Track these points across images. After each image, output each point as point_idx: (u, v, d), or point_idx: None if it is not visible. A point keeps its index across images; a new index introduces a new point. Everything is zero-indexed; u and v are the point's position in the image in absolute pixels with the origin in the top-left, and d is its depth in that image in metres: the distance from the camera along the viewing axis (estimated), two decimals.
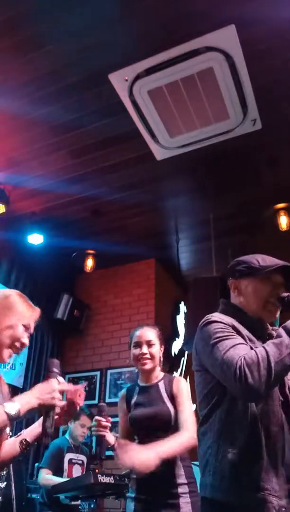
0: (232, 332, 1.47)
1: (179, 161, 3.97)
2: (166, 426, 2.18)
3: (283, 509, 1.32)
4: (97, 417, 2.09)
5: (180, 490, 2.10)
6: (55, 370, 1.50)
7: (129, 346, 2.42)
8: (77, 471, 3.70)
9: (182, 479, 2.13)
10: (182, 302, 5.83)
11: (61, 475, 3.60)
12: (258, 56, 3.06)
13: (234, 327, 1.50)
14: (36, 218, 4.64)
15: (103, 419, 2.08)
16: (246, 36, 2.92)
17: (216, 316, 1.54)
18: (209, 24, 2.88)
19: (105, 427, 2.07)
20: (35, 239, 4.61)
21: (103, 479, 2.81)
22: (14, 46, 3.01)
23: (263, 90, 3.31)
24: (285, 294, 1.57)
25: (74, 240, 5.08)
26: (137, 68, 3.15)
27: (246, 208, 4.57)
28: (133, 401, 2.34)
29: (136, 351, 2.35)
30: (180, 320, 5.70)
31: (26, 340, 1.57)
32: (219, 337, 1.43)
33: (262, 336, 1.56)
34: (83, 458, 3.88)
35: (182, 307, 5.80)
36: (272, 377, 1.29)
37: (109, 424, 2.08)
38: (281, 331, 1.38)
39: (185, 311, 5.71)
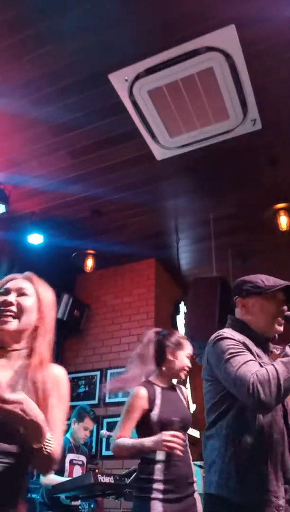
0: (243, 349, 1.62)
1: (179, 161, 3.97)
2: (188, 428, 2.43)
3: (281, 508, 1.49)
4: (172, 432, 2.15)
5: (195, 487, 2.33)
6: None
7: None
8: (77, 472, 3.68)
9: (193, 477, 2.34)
10: (182, 302, 5.83)
11: (62, 476, 3.59)
12: (258, 56, 3.06)
13: (245, 344, 1.65)
14: (36, 218, 4.65)
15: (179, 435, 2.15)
16: (246, 36, 2.92)
17: (228, 332, 1.69)
18: (209, 24, 2.88)
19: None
20: (35, 239, 4.61)
21: (103, 479, 2.80)
22: (14, 46, 3.01)
23: (263, 90, 3.31)
24: (289, 313, 1.74)
25: (74, 240, 5.08)
26: (137, 68, 3.15)
27: (246, 208, 4.57)
28: (158, 401, 2.36)
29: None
30: (180, 320, 5.70)
31: None
32: (232, 353, 1.58)
33: (267, 351, 1.75)
34: (83, 458, 3.87)
35: (182, 307, 5.80)
36: (281, 393, 1.46)
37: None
38: (288, 349, 1.55)
39: (185, 311, 5.70)
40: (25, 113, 3.52)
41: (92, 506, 3.66)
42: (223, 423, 1.60)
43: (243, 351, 1.60)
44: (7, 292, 1.44)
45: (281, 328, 1.77)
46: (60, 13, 2.81)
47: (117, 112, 3.50)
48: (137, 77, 3.21)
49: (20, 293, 1.44)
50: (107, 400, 5.07)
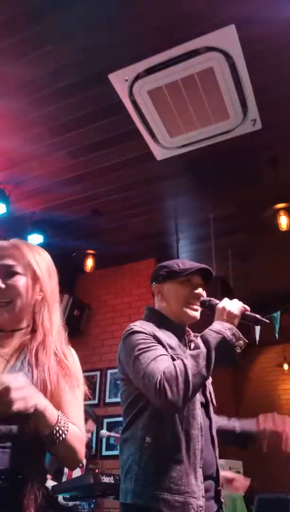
0: (154, 343, 1.52)
1: (179, 161, 3.97)
2: None
3: (200, 508, 1.41)
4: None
5: None
6: None
7: None
8: (76, 473, 3.67)
9: None
10: None
11: (60, 478, 3.57)
12: (258, 56, 3.06)
13: (155, 337, 1.55)
14: (36, 218, 4.64)
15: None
16: (246, 36, 2.92)
17: (138, 325, 1.60)
18: (209, 24, 2.88)
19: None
20: (35, 239, 4.61)
21: (103, 479, 2.81)
22: (14, 46, 3.01)
23: (263, 90, 3.31)
24: (207, 298, 1.66)
25: (74, 240, 5.08)
26: (137, 68, 3.15)
27: (246, 208, 4.57)
28: None
29: None
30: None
31: None
32: (141, 348, 1.49)
33: (184, 340, 1.67)
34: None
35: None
36: (190, 389, 1.38)
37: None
38: (199, 341, 1.47)
39: None
40: (25, 113, 3.52)
41: (92, 506, 3.65)
42: (138, 424, 1.50)
43: (153, 345, 1.51)
44: None
45: (196, 314, 1.68)
46: (60, 13, 2.81)
47: (117, 112, 3.50)
48: (137, 77, 3.21)
49: (8, 272, 1.22)
50: (107, 400, 5.07)
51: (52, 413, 1.08)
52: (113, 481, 2.86)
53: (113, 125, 3.63)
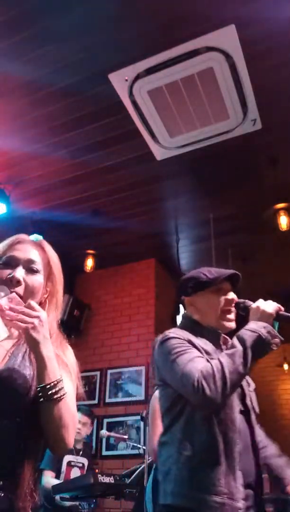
0: (189, 346, 1.56)
1: (179, 161, 3.97)
2: None
3: (239, 510, 1.41)
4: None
5: None
6: None
7: None
8: (75, 474, 3.64)
9: None
10: None
11: (58, 478, 3.54)
12: (258, 56, 3.06)
13: (190, 341, 1.59)
14: (36, 218, 4.64)
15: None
16: (246, 36, 2.92)
17: (173, 332, 1.64)
18: (209, 24, 2.88)
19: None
20: (35, 239, 4.61)
21: (103, 479, 2.81)
22: (14, 46, 3.01)
23: (263, 90, 3.31)
24: (241, 301, 1.68)
25: (74, 240, 5.08)
26: (137, 68, 3.15)
27: (246, 208, 4.57)
28: None
29: None
30: (180, 320, 5.69)
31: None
32: (177, 352, 1.53)
33: (220, 347, 1.66)
34: (83, 461, 3.82)
35: (182, 307, 5.79)
36: (228, 386, 1.41)
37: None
38: (234, 340, 1.49)
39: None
40: (25, 113, 3.52)
41: (92, 506, 3.65)
42: (177, 427, 1.54)
43: (189, 349, 1.54)
44: (15, 262, 1.20)
45: (232, 324, 1.70)
46: (60, 13, 2.81)
47: (117, 112, 3.50)
48: (137, 77, 3.21)
49: (30, 268, 1.20)
50: (107, 400, 5.07)
51: (54, 367, 1.08)
52: (113, 481, 2.86)
53: (113, 125, 3.63)
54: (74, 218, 4.77)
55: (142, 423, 4.10)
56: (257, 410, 1.67)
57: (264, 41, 2.97)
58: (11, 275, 1.16)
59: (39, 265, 1.23)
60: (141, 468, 3.13)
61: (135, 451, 4.21)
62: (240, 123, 3.57)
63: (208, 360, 1.51)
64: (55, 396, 1.06)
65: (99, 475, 2.82)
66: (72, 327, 5.39)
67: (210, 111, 3.47)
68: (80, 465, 3.75)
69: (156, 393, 2.43)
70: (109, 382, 5.16)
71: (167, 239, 5.24)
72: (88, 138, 3.76)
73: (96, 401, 5.08)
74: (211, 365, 1.44)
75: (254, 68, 3.14)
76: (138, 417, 4.00)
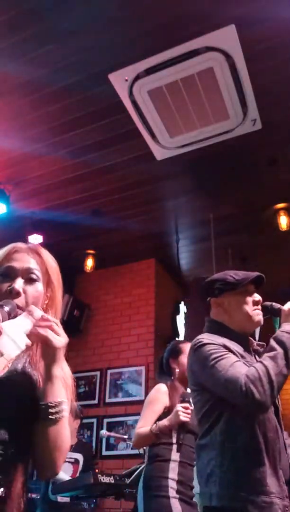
0: (226, 352, 1.58)
1: (179, 161, 3.97)
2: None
3: (286, 508, 1.44)
4: (184, 404, 2.30)
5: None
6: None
7: None
8: (66, 470, 3.57)
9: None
10: (182, 302, 5.83)
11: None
12: (258, 56, 3.06)
13: (225, 346, 1.61)
14: (36, 218, 4.65)
15: (190, 406, 2.27)
16: (246, 36, 2.92)
17: (207, 337, 1.65)
18: (209, 24, 2.88)
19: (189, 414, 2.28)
20: (35, 239, 4.61)
21: (103, 479, 2.80)
22: (14, 46, 3.01)
23: (263, 90, 3.31)
24: (268, 303, 1.72)
25: (74, 240, 5.08)
26: (137, 68, 3.15)
27: (246, 208, 4.57)
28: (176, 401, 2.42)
29: None
30: (180, 320, 5.70)
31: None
32: (215, 357, 1.55)
33: (248, 350, 1.70)
34: (77, 456, 3.75)
35: (182, 307, 5.80)
36: (275, 389, 1.44)
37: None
38: (273, 343, 1.52)
39: (185, 311, 5.71)
40: (25, 113, 3.52)
41: (92, 506, 3.64)
42: (216, 430, 1.55)
43: (226, 354, 1.56)
44: (14, 273, 1.17)
45: (260, 318, 1.74)
46: (60, 13, 2.81)
47: (117, 112, 3.50)
48: (137, 77, 3.21)
49: (28, 277, 1.18)
50: (107, 400, 5.07)
51: (60, 387, 1.09)
52: (113, 481, 2.85)
53: (113, 125, 3.63)
54: (74, 218, 4.77)
55: None
56: (281, 409, 1.70)
57: (264, 41, 2.97)
58: (10, 287, 1.14)
59: (38, 272, 1.21)
60: (141, 468, 3.12)
61: (135, 451, 4.20)
62: (240, 123, 3.57)
63: (246, 364, 1.53)
64: (55, 416, 1.06)
65: (99, 475, 2.81)
66: (72, 327, 5.38)
67: (210, 111, 3.47)
68: (72, 460, 3.67)
69: (157, 386, 2.52)
70: (109, 382, 5.16)
71: (167, 239, 5.24)
72: (88, 138, 3.76)
73: (96, 401, 5.08)
74: (256, 368, 1.46)
75: (254, 68, 3.14)
76: (138, 417, 3.98)
